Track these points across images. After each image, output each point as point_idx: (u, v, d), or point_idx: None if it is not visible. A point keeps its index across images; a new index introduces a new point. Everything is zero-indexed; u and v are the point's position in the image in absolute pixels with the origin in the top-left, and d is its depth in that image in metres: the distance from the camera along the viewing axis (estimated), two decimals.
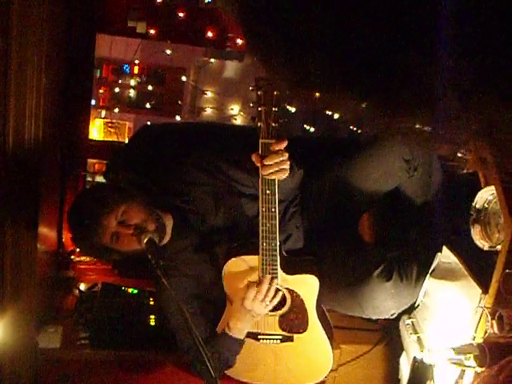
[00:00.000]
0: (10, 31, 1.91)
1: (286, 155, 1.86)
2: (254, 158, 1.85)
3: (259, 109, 1.82)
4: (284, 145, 1.83)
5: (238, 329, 2.13)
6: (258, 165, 1.85)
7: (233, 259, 2.09)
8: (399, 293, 2.24)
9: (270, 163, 1.83)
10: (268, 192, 1.89)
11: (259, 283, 2.00)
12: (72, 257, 3.12)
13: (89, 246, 2.08)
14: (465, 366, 1.77)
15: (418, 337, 2.13)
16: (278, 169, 1.85)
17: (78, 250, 2.20)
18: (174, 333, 2.23)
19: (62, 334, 2.52)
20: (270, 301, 2.04)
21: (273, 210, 1.91)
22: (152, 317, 2.59)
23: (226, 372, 2.28)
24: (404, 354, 2.35)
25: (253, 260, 2.03)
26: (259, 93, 1.80)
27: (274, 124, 1.81)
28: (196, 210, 2.21)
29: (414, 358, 1.89)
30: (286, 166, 1.87)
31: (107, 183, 2.48)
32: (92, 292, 2.86)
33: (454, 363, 1.76)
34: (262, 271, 2.01)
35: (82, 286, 2.93)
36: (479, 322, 1.86)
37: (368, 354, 2.56)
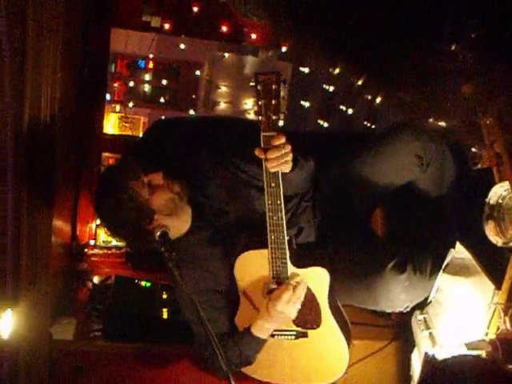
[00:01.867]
0: (26, 27, 1.93)
1: (289, 148, 1.86)
2: (257, 151, 1.87)
3: (259, 103, 1.83)
4: (284, 138, 1.84)
5: (266, 329, 2.12)
6: (262, 157, 1.87)
7: (243, 254, 2.10)
8: (413, 285, 2.24)
9: (272, 156, 1.84)
10: (273, 185, 1.90)
11: (295, 287, 2.01)
12: (86, 250, 3.16)
13: (122, 210, 2.01)
14: None
15: (430, 332, 2.12)
16: (280, 162, 1.86)
17: (107, 229, 2.17)
18: (190, 325, 2.23)
19: (76, 326, 2.56)
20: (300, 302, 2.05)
21: (278, 202, 1.92)
22: (164, 310, 2.61)
23: (245, 371, 2.28)
24: (416, 350, 2.35)
25: (263, 254, 2.03)
26: (259, 87, 1.82)
27: (274, 117, 1.83)
28: (211, 203, 2.23)
29: (426, 353, 1.89)
30: (289, 158, 1.88)
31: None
32: (105, 285, 2.89)
33: None
34: (271, 264, 2.02)
35: (96, 279, 2.96)
36: (492, 318, 1.85)
37: (380, 349, 2.55)
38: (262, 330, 2.12)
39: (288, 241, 2.00)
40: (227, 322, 2.21)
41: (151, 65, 5.35)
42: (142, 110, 5.43)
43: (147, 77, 5.33)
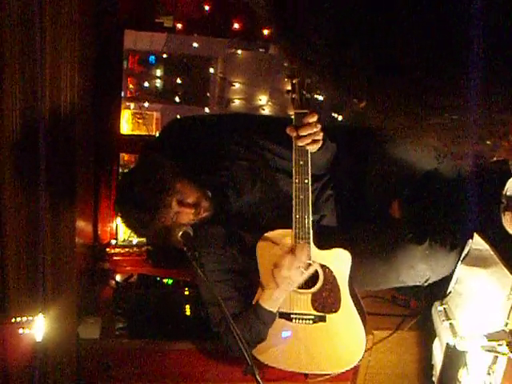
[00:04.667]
0: (44, 31, 1.97)
1: (319, 126, 1.91)
2: (288, 129, 1.91)
3: (293, 81, 1.88)
4: (316, 116, 1.88)
5: (273, 300, 2.13)
6: (293, 135, 1.90)
7: (266, 234, 2.11)
8: (433, 255, 2.25)
9: (305, 134, 1.87)
10: (301, 163, 1.94)
11: (294, 250, 2.02)
12: (107, 249, 3.20)
13: (148, 230, 2.05)
14: (497, 352, 1.78)
15: (451, 323, 2.14)
16: (311, 140, 1.90)
17: (135, 233, 2.20)
18: (206, 306, 2.27)
19: (101, 325, 2.60)
20: (306, 268, 2.05)
21: (305, 181, 1.95)
22: (187, 306, 2.65)
23: (260, 359, 2.30)
24: (437, 339, 2.36)
25: (286, 234, 2.05)
26: (293, 66, 1.86)
27: (307, 95, 1.87)
28: (233, 184, 2.24)
29: (447, 344, 1.91)
30: (320, 137, 1.93)
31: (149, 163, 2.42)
32: (128, 283, 2.93)
33: (487, 350, 1.77)
34: (295, 243, 2.03)
35: (118, 278, 3.01)
36: (511, 308, 1.86)
37: (401, 339, 2.57)
38: (269, 300, 2.13)
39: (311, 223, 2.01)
40: (243, 302, 2.23)
41: (162, 61, 5.37)
42: (154, 106, 5.46)
43: (158, 72, 5.35)
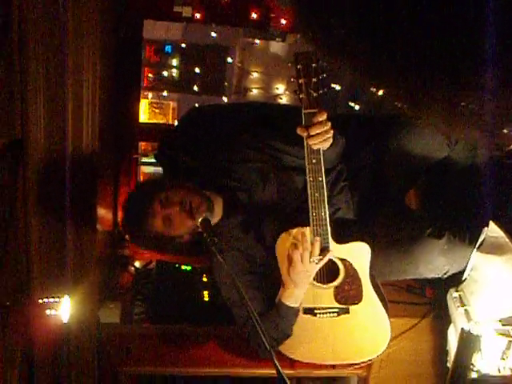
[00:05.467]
0: (67, 24, 2.01)
1: (329, 124, 1.93)
2: (299, 130, 1.93)
3: (300, 81, 1.90)
4: (325, 114, 1.90)
5: (293, 296, 2.15)
6: (304, 135, 1.92)
7: (284, 233, 2.13)
8: (452, 249, 2.27)
9: (315, 133, 1.90)
10: (314, 161, 1.96)
11: (301, 243, 2.03)
12: (127, 236, 3.24)
13: (148, 240, 2.15)
14: (511, 336, 1.80)
15: (466, 309, 2.16)
16: (322, 138, 1.92)
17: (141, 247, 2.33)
18: (231, 308, 2.29)
19: (121, 310, 2.66)
20: (319, 259, 2.06)
21: (320, 179, 1.97)
22: (205, 292, 2.70)
23: (287, 354, 2.33)
24: (452, 325, 2.39)
25: (304, 231, 2.06)
26: (298, 66, 1.88)
27: (315, 94, 1.89)
28: (243, 187, 2.27)
29: (462, 329, 1.93)
30: (330, 135, 1.95)
31: (145, 181, 2.58)
32: (147, 269, 2.98)
33: (501, 334, 1.79)
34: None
35: (137, 264, 3.06)
36: None
37: (416, 326, 2.59)
38: (290, 296, 2.15)
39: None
40: (265, 301, 2.25)
41: (178, 50, 5.39)
42: (170, 95, 5.49)
43: (174, 62, 5.38)
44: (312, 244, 2.02)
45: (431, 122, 2.20)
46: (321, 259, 2.05)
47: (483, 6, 1.20)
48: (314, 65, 1.88)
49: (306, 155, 1.95)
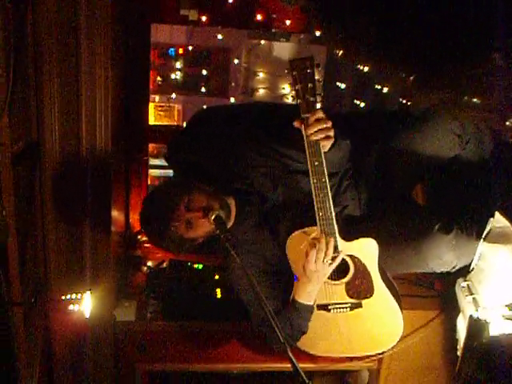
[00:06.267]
0: (80, 31, 2.08)
1: (329, 123, 1.97)
2: (296, 122, 1.97)
3: (296, 87, 1.94)
4: (321, 113, 1.95)
5: (307, 293, 2.20)
6: (303, 132, 1.96)
7: (293, 234, 2.19)
8: (460, 245, 2.30)
9: (312, 131, 1.94)
10: (316, 163, 2.00)
11: (319, 244, 2.07)
12: (139, 236, 3.30)
13: (169, 242, 2.17)
14: None
15: (474, 298, 2.20)
16: (323, 136, 1.96)
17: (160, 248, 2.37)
18: (247, 307, 2.33)
19: (136, 308, 2.72)
20: (333, 259, 2.11)
21: (323, 180, 2.01)
22: (218, 290, 2.74)
23: (306, 349, 2.39)
24: (460, 315, 2.42)
25: (312, 231, 2.12)
26: (294, 73, 1.93)
27: (311, 98, 1.94)
28: (256, 191, 2.32)
29: (470, 316, 1.97)
30: (331, 133, 1.99)
31: (164, 184, 2.59)
32: (160, 268, 3.03)
33: (509, 319, 1.82)
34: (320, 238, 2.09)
35: (150, 264, 3.11)
36: None
37: (425, 318, 2.63)
38: (304, 294, 2.20)
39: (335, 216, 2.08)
40: (280, 300, 2.29)
41: (181, 52, 5.43)
42: (176, 98, 5.53)
43: (178, 65, 5.42)
44: (327, 245, 2.07)
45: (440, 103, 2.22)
46: (334, 259, 2.10)
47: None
48: (309, 70, 1.92)
49: (307, 157, 2.00)
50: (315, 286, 2.19)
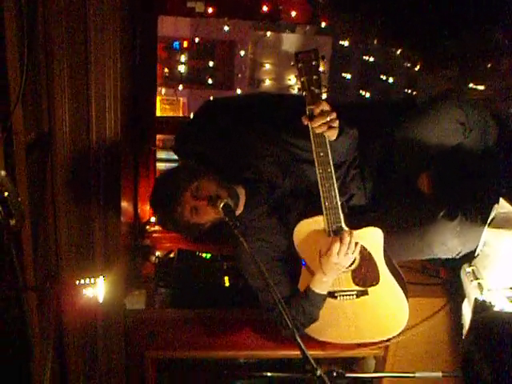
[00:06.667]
0: (89, 23, 2.11)
1: (334, 114, 2.00)
2: (302, 118, 2.00)
3: (302, 79, 1.97)
4: (326, 105, 1.97)
5: (323, 283, 2.25)
6: (307, 123, 1.99)
7: (300, 222, 2.22)
8: (465, 231, 2.32)
9: (318, 123, 1.97)
10: (322, 154, 2.03)
11: (342, 237, 2.10)
12: (147, 227, 3.33)
13: (175, 225, 2.22)
14: None
15: (479, 282, 2.23)
16: (327, 127, 1.99)
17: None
18: (257, 293, 2.37)
19: (146, 297, 2.75)
20: (353, 252, 2.14)
21: (329, 170, 2.04)
22: (226, 278, 2.78)
23: (315, 336, 2.44)
24: (466, 300, 2.44)
25: (319, 220, 2.16)
26: (299, 65, 1.96)
27: (316, 90, 1.97)
28: (264, 179, 2.35)
29: (475, 299, 2.00)
30: (335, 124, 2.02)
31: (178, 166, 2.62)
32: (169, 258, 3.07)
33: None
34: (328, 228, 2.14)
35: (159, 253, 3.14)
36: None
37: (431, 305, 2.65)
38: (320, 284, 2.24)
39: (340, 206, 2.11)
40: (289, 286, 2.34)
41: (186, 45, 5.44)
42: (181, 91, 5.54)
43: (183, 58, 5.43)
44: (350, 237, 2.10)
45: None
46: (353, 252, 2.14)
47: None
48: (314, 62, 1.95)
49: (313, 148, 2.03)
50: (333, 276, 2.23)
